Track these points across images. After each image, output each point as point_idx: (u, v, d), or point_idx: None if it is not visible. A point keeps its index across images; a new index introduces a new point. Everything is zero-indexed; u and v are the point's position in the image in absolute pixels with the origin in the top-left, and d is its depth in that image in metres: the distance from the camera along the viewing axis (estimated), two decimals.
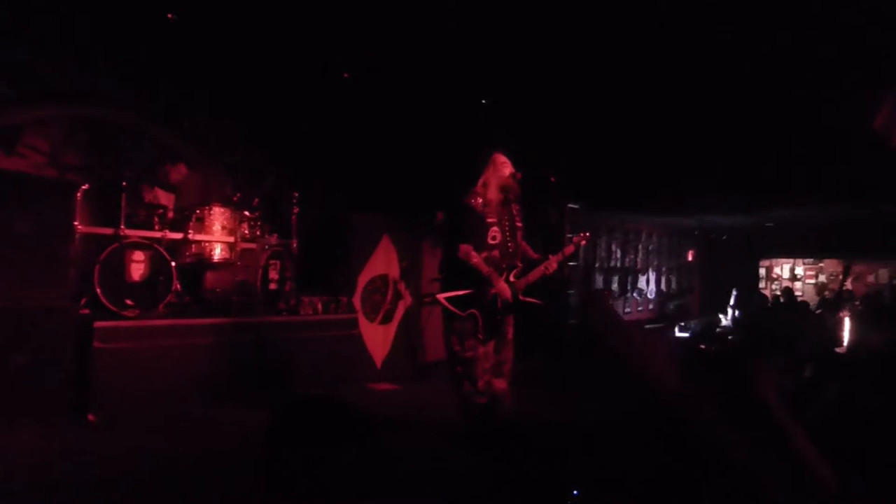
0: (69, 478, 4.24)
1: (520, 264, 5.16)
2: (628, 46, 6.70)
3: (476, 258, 4.88)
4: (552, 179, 4.89)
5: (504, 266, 5.03)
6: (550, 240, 6.05)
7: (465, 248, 4.90)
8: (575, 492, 3.45)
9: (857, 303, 12.90)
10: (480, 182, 5.08)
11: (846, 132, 7.21)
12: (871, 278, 17.34)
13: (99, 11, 6.92)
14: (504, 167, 5.08)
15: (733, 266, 16.88)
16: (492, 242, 4.99)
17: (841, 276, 16.71)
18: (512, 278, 5.04)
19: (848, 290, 15.29)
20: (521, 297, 5.10)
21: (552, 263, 5.08)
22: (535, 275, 5.11)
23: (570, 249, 5.29)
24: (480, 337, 4.95)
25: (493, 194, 5.04)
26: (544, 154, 8.12)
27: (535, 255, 5.30)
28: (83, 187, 6.06)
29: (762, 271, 18.99)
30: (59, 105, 7.03)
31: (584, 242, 5.46)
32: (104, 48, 7.26)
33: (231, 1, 6.86)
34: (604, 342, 1.18)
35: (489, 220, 4.99)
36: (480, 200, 5.00)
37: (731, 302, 14.65)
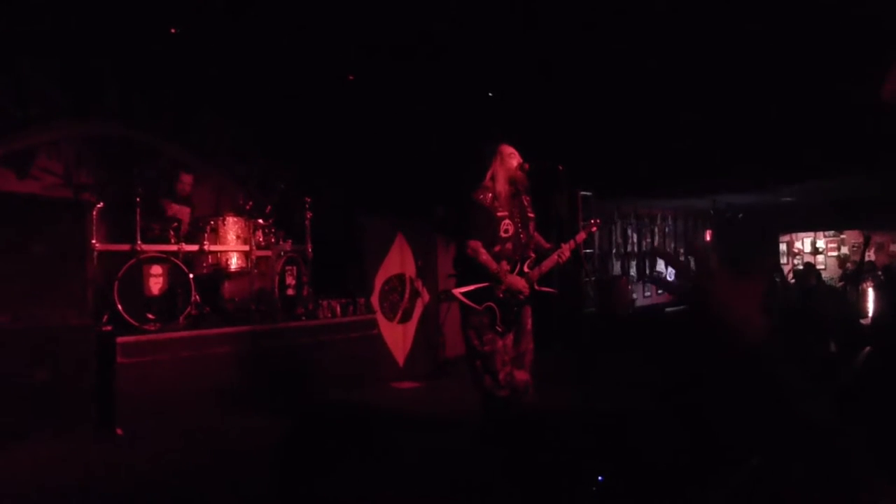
0: (100, 491, 4.30)
1: (533, 255, 5.14)
2: (633, 27, 6.67)
3: (484, 255, 4.86)
4: (560, 168, 4.85)
5: (517, 258, 5.02)
6: (563, 229, 6.03)
7: (473, 244, 4.88)
8: (600, 478, 3.45)
9: (880, 273, 12.75)
10: (488, 175, 5.05)
11: (856, 101, 7.13)
12: (893, 248, 17.12)
13: (102, 28, 6.98)
14: (511, 158, 5.05)
15: (752, 243, 16.72)
16: (504, 235, 4.97)
17: (862, 247, 16.50)
18: (526, 269, 5.02)
19: (869, 260, 15.10)
20: (536, 287, 5.08)
21: (565, 251, 5.06)
22: (548, 264, 5.09)
23: (581, 236, 5.26)
24: (499, 329, 4.94)
25: (503, 186, 5.01)
26: (553, 143, 8.09)
27: (548, 245, 5.28)
28: (98, 205, 6.14)
29: (783, 246, 18.81)
30: (69, 126, 7.11)
31: (594, 229, 5.44)
32: (109, 65, 7.32)
33: (231, 11, 6.90)
34: (700, 289, 1.17)
35: (500, 213, 4.96)
36: (490, 195, 4.97)
37: None
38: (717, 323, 1.17)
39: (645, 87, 8.10)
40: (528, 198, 5.19)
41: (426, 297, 8.49)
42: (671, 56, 7.24)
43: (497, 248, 4.94)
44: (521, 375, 5.03)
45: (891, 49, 5.40)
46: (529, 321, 5.14)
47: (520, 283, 4.93)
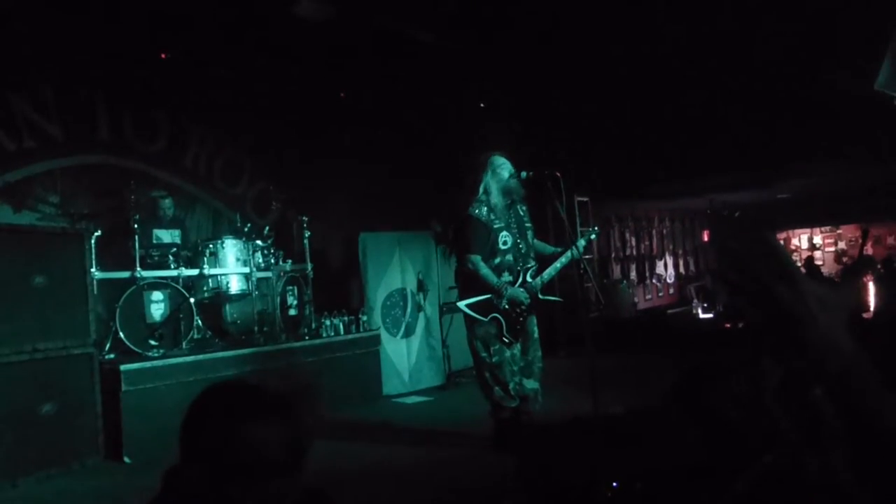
0: None
1: (534, 263, 5.14)
2: (624, 29, 6.69)
3: (484, 269, 4.87)
4: (558, 174, 4.85)
5: (519, 268, 5.01)
6: (562, 235, 6.02)
7: (473, 259, 4.90)
8: (615, 483, 3.43)
9: (880, 266, 12.76)
10: (481, 189, 5.05)
11: (848, 94, 7.16)
12: (890, 240, 17.14)
13: (92, 57, 7.00)
14: (502, 170, 5.03)
15: (748, 242, 16.69)
16: (504, 248, 4.97)
17: (860, 241, 16.52)
18: (528, 278, 5.02)
19: (868, 254, 15.09)
20: (540, 296, 5.08)
21: (566, 258, 5.06)
22: (551, 270, 5.10)
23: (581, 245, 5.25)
24: (506, 340, 4.93)
25: (497, 199, 5.01)
26: (548, 150, 8.11)
27: (548, 253, 5.28)
28: (95, 234, 6.10)
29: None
30: (62, 156, 7.09)
31: (593, 237, 5.48)
32: (101, 94, 7.33)
33: (220, 34, 6.92)
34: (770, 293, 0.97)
35: (497, 226, 4.97)
36: (485, 208, 4.98)
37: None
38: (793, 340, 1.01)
39: (635, 90, 8.12)
40: (525, 206, 5.19)
41: (428, 310, 8.47)
42: (660, 57, 7.26)
43: (497, 261, 4.94)
44: (531, 384, 5.03)
45: (883, 39, 5.42)
46: (536, 329, 5.14)
47: (521, 295, 4.92)
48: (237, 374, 6.31)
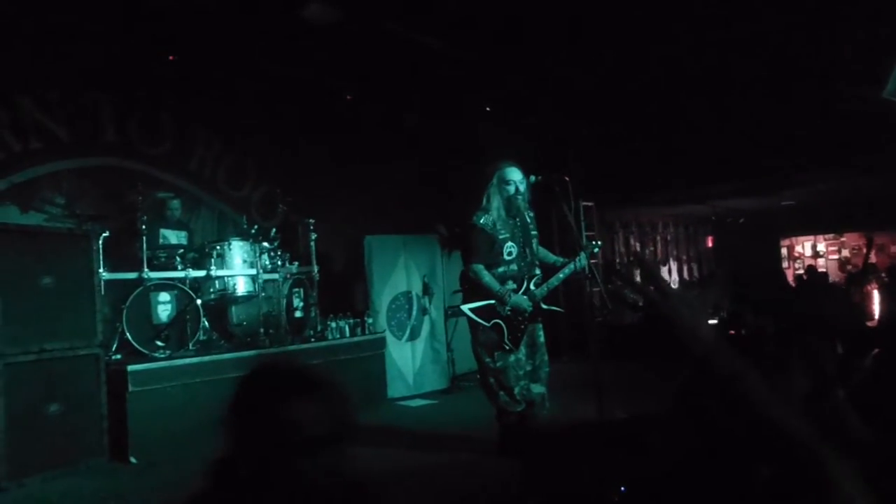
0: None
1: (538, 272, 5.14)
2: (630, 35, 6.70)
3: (487, 278, 4.88)
4: (566, 178, 4.86)
5: (523, 276, 5.02)
6: (567, 240, 6.04)
7: (475, 268, 4.91)
8: (622, 488, 3.43)
9: (884, 275, 12.71)
10: (486, 198, 5.06)
11: (854, 101, 7.16)
12: (894, 249, 17.06)
13: (99, 58, 7.02)
14: (508, 186, 5.02)
15: (753, 249, 16.67)
16: (508, 258, 4.98)
17: (864, 250, 16.44)
18: (532, 286, 5.02)
19: (872, 263, 15.03)
20: (542, 306, 5.08)
21: (569, 269, 5.06)
22: (554, 280, 5.10)
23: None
24: (506, 347, 4.93)
25: (500, 211, 5.02)
26: (553, 155, 8.12)
27: (553, 261, 5.28)
28: (102, 235, 6.12)
29: (783, 251, 18.74)
30: (69, 158, 7.12)
31: (596, 250, 5.50)
32: (107, 96, 7.36)
33: (226, 37, 6.94)
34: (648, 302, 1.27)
35: (502, 236, 4.97)
36: (490, 219, 4.98)
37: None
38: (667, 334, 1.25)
39: (640, 95, 8.13)
40: (532, 213, 5.19)
41: (433, 314, 8.47)
42: (667, 62, 7.27)
43: (502, 270, 4.95)
44: (538, 389, 5.03)
45: (892, 46, 5.43)
46: (542, 335, 5.14)
47: (524, 303, 4.92)
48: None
